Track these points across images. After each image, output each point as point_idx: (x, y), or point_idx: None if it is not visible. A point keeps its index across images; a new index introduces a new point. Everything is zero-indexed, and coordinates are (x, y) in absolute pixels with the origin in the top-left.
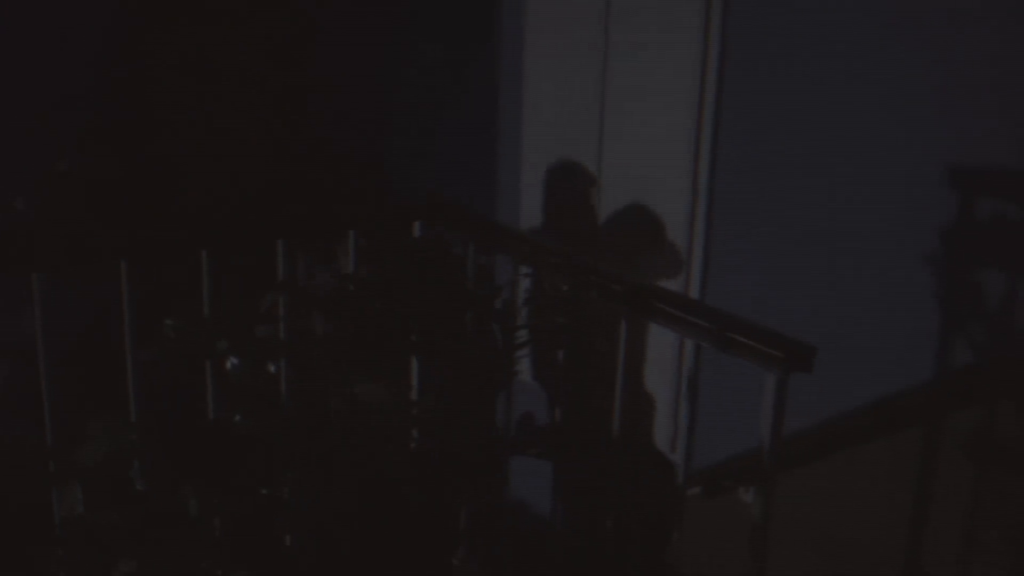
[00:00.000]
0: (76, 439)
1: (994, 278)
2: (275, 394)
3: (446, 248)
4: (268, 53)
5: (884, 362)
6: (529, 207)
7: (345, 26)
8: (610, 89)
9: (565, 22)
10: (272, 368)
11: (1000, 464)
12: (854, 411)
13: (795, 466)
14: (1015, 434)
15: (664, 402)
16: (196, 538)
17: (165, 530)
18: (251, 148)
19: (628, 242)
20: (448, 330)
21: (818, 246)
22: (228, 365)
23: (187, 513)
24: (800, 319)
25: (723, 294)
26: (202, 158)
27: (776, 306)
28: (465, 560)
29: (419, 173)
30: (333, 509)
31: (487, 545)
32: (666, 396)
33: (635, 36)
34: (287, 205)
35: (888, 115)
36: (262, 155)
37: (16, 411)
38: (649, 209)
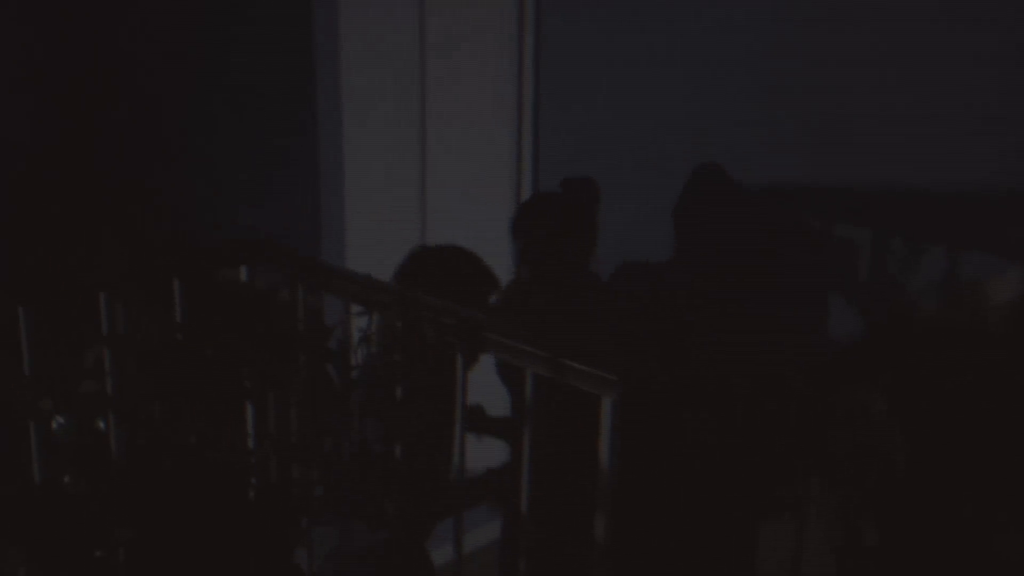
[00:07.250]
0: None
1: None
2: (105, 452)
3: (274, 291)
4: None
5: None
6: (354, 241)
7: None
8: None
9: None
10: (102, 425)
11: None
12: None
13: None
14: None
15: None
16: None
17: None
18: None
19: None
20: (281, 374)
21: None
22: (54, 425)
23: None
24: None
25: None
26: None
27: None
28: None
29: (239, 211)
30: (171, 564)
31: None
32: None
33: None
34: (107, 255)
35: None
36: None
37: None
38: None
